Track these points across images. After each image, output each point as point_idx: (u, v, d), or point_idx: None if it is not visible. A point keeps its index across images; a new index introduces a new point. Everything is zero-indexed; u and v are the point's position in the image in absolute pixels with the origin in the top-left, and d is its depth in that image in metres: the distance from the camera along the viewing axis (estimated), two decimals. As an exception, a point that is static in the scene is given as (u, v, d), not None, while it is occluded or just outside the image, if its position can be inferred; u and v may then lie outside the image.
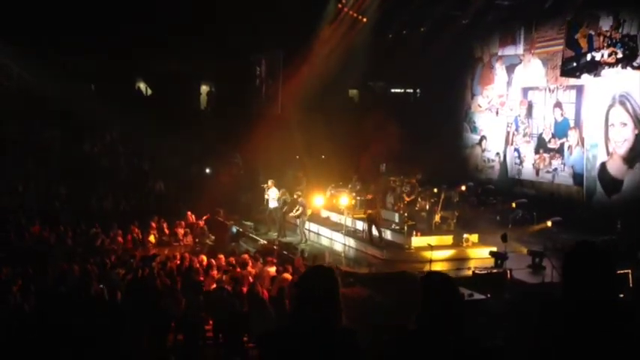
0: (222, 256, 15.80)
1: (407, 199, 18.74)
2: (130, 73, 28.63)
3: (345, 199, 19.83)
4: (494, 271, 14.90)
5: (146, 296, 12.51)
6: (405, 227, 18.05)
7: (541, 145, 23.12)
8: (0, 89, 24.50)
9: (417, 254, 16.93)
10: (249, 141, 23.94)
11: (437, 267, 15.59)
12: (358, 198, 20.75)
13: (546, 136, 22.90)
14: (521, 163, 24.06)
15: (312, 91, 24.15)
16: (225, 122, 25.99)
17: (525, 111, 23.86)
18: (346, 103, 29.30)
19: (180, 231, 20.44)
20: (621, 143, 19.93)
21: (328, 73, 24.16)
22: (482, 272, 14.67)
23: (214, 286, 13.80)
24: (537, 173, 23.24)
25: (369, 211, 17.94)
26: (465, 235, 17.74)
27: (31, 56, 23.71)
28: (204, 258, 15.74)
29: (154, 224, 20.35)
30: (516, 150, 24.30)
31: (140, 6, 23.84)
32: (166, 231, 20.40)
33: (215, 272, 14.66)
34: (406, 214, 18.58)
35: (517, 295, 13.10)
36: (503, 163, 24.89)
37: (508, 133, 24.72)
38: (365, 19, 25.08)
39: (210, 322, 12.77)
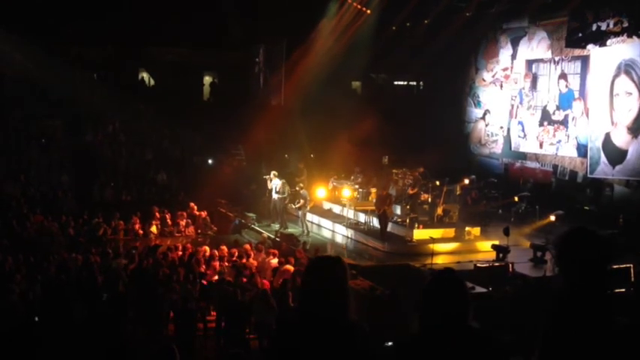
0: (224, 247, 15.82)
1: (411, 191, 18.69)
2: (132, 62, 28.57)
3: (347, 191, 19.83)
4: (496, 264, 14.92)
5: (148, 286, 12.55)
6: (408, 220, 18.05)
7: (545, 118, 22.98)
8: (2, 77, 24.45)
9: (419, 247, 16.92)
10: (251, 132, 23.91)
11: (439, 260, 15.60)
12: (361, 190, 20.74)
13: (550, 108, 22.77)
14: (525, 136, 23.94)
15: (315, 83, 24.09)
16: (227, 113, 25.94)
17: (530, 84, 23.74)
18: (349, 94, 29.24)
19: (182, 222, 20.43)
20: (626, 113, 19.86)
21: (331, 65, 24.12)
22: (484, 265, 14.68)
23: (216, 277, 13.86)
24: (541, 146, 23.14)
25: (387, 208, 17.87)
26: (467, 229, 17.76)
27: (34, 45, 23.67)
28: (207, 249, 15.76)
29: (156, 215, 20.33)
30: (520, 123, 24.17)
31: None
32: (169, 222, 20.38)
33: (217, 263, 14.70)
34: (408, 207, 18.57)
35: (519, 289, 13.12)
36: (507, 137, 24.78)
37: (512, 106, 24.58)
38: (369, 11, 25.01)
39: (213, 312, 12.83)
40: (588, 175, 21.04)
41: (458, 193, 20.34)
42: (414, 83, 31.46)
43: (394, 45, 26.22)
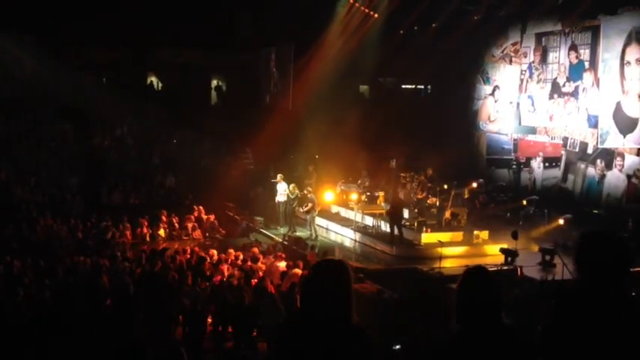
0: (232, 251, 15.82)
1: (420, 195, 18.66)
2: (141, 66, 28.68)
3: (355, 194, 19.80)
4: (505, 268, 14.85)
5: (156, 289, 12.56)
6: (415, 223, 18.01)
7: (555, 90, 22.81)
8: (12, 81, 24.58)
9: (427, 250, 16.88)
10: (259, 135, 23.92)
11: (447, 264, 15.55)
12: (368, 193, 20.72)
13: (561, 81, 22.61)
14: (534, 110, 23.74)
15: (323, 86, 24.09)
16: (235, 116, 25.98)
17: (539, 57, 23.58)
18: (356, 98, 29.22)
19: (190, 225, 20.43)
20: (637, 81, 19.70)
21: (339, 69, 24.11)
22: (493, 269, 14.60)
23: (225, 279, 13.86)
24: (551, 119, 22.98)
25: (394, 211, 17.84)
26: (476, 232, 17.69)
27: (43, 48, 23.80)
28: (215, 252, 15.76)
29: (164, 218, 20.35)
30: (530, 97, 23.99)
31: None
32: (176, 225, 20.40)
33: (225, 267, 14.69)
34: (416, 211, 18.53)
35: (528, 293, 13.05)
36: (517, 112, 24.63)
37: (522, 80, 24.41)
38: (376, 15, 25.00)
39: (219, 315, 12.82)
40: (599, 146, 20.90)
41: (466, 196, 20.29)
42: (422, 87, 31.42)
43: (402, 49, 26.18)
